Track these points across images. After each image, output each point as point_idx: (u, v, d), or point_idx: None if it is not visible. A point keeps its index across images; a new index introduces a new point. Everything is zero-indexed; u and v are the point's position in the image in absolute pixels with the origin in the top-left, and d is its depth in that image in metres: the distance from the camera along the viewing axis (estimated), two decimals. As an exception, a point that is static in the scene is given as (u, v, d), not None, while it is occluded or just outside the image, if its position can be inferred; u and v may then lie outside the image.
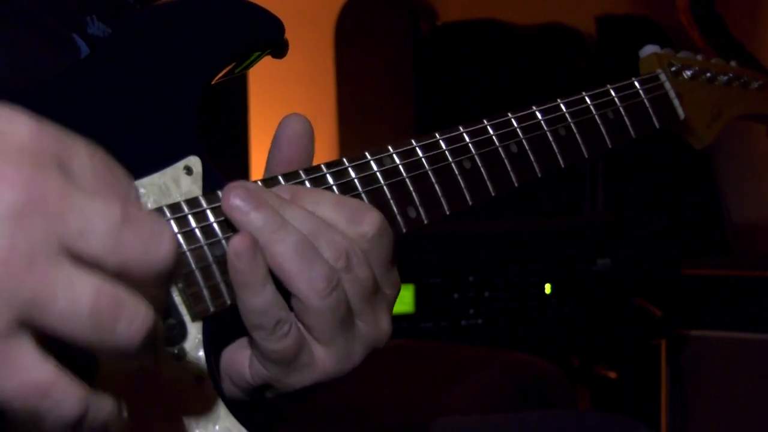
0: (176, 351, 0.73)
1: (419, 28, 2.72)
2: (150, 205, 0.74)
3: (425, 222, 0.86)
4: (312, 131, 0.83)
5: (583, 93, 1.02)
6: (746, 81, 1.26)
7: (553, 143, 0.97)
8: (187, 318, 0.73)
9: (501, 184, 0.92)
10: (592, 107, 1.02)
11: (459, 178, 0.89)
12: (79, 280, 0.53)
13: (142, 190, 0.75)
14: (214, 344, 0.75)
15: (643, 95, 1.09)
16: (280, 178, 0.79)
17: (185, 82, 0.80)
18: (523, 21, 2.80)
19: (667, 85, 1.13)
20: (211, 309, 0.74)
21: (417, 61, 2.71)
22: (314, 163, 0.83)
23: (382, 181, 0.84)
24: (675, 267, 2.34)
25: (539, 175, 0.95)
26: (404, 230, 0.84)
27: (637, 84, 1.09)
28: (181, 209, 0.73)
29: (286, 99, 2.87)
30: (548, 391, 1.78)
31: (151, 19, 0.81)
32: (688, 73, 1.17)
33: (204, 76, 0.82)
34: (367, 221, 0.77)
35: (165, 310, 0.72)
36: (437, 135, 0.89)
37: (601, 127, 1.03)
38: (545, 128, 0.97)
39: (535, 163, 0.95)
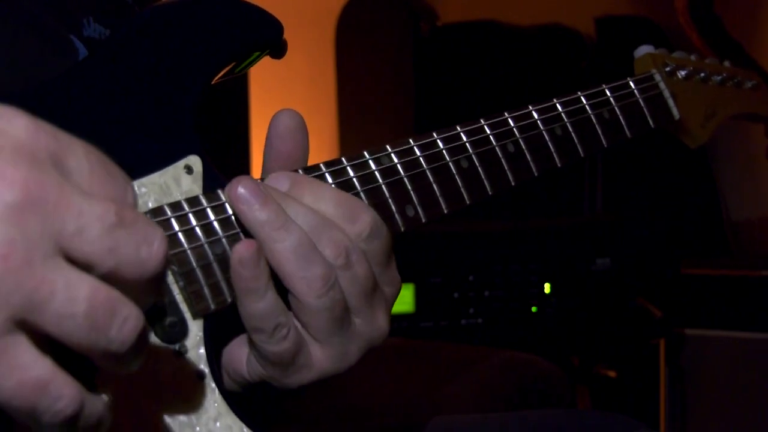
0: (177, 348, 0.73)
1: (419, 29, 2.72)
2: (151, 204, 0.75)
3: (423, 220, 0.87)
4: (305, 126, 0.83)
5: (579, 93, 1.03)
6: (740, 81, 1.27)
7: (549, 142, 0.98)
8: (188, 316, 0.74)
9: (498, 183, 0.92)
10: (587, 107, 1.03)
11: (456, 177, 0.89)
12: (75, 280, 0.53)
13: (143, 189, 0.75)
14: (215, 342, 0.76)
15: (638, 95, 1.10)
16: None
17: (185, 82, 0.81)
18: (523, 22, 2.80)
19: (662, 85, 1.14)
20: (212, 307, 0.74)
21: (417, 61, 2.71)
22: (313, 161, 0.83)
23: (380, 180, 0.84)
24: (674, 267, 2.35)
25: (536, 174, 0.96)
26: (402, 229, 0.85)
27: (632, 84, 1.10)
28: (181, 208, 0.74)
29: (287, 99, 2.87)
30: (548, 390, 1.77)
31: (151, 19, 0.81)
32: (682, 73, 1.18)
33: (204, 76, 0.82)
34: (363, 220, 0.78)
35: (163, 310, 0.72)
36: (435, 134, 0.89)
37: (597, 126, 1.03)
38: (541, 128, 0.98)
39: (531, 162, 0.95)
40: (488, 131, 0.93)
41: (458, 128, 0.91)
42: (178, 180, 0.77)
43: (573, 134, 1.00)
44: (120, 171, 0.58)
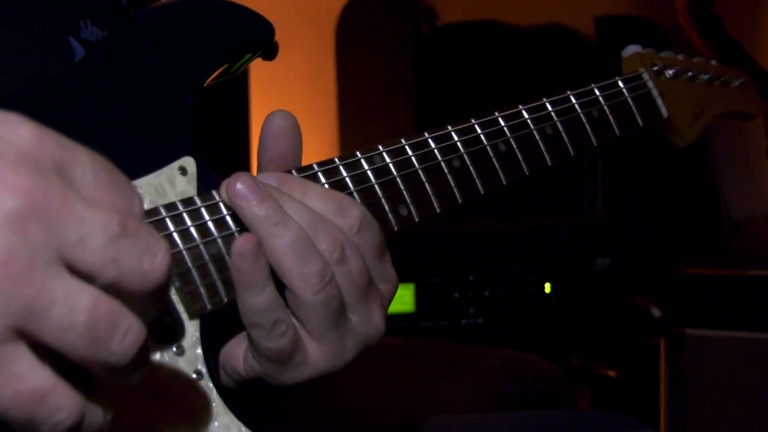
0: (174, 349, 0.74)
1: (420, 29, 2.72)
2: (145, 205, 0.75)
3: (416, 220, 0.87)
4: (297, 127, 0.83)
5: (569, 92, 1.04)
6: (727, 79, 1.27)
7: (539, 142, 0.98)
8: (184, 316, 0.74)
9: (490, 182, 0.93)
10: (577, 106, 1.04)
11: (448, 176, 0.90)
12: (76, 290, 0.52)
13: (138, 190, 0.75)
14: (211, 342, 0.76)
15: (626, 94, 1.11)
16: None
17: (179, 83, 0.81)
18: (523, 22, 2.80)
19: (650, 84, 1.15)
20: (209, 307, 0.74)
21: (417, 61, 2.72)
22: (314, 160, 0.83)
23: (373, 180, 0.85)
24: (674, 266, 2.35)
25: (527, 173, 0.96)
26: (396, 228, 0.85)
27: (620, 83, 1.11)
28: (176, 208, 0.74)
29: (287, 99, 2.87)
30: (548, 390, 1.77)
31: (145, 21, 0.81)
32: (670, 72, 1.18)
33: (197, 77, 0.82)
34: (352, 214, 0.78)
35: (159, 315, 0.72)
36: (426, 134, 0.90)
37: (587, 125, 1.04)
38: (532, 127, 0.98)
39: (522, 162, 0.96)
40: (479, 131, 0.93)
41: (449, 128, 0.92)
42: (173, 181, 0.77)
43: (563, 133, 1.01)
44: (126, 180, 0.58)
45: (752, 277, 2.33)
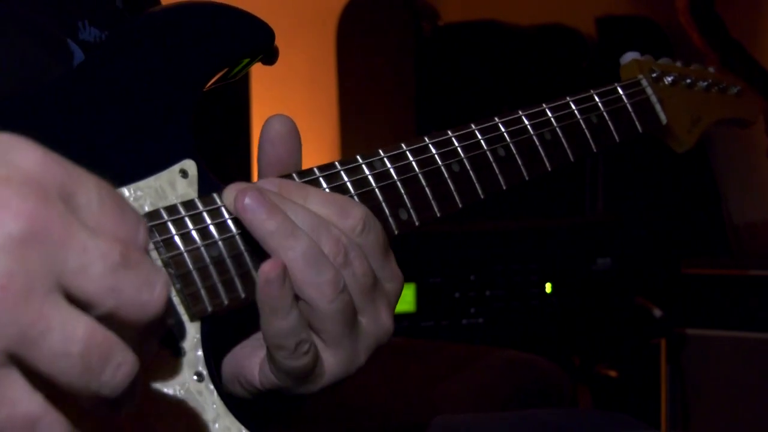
0: (175, 351, 0.74)
1: (421, 29, 2.72)
2: (146, 208, 0.75)
3: (416, 224, 0.87)
4: (296, 131, 0.82)
5: (568, 98, 1.04)
6: (725, 87, 1.28)
7: (539, 147, 0.99)
8: (185, 318, 0.74)
9: (489, 187, 0.93)
10: (576, 112, 1.04)
11: (448, 181, 0.90)
12: (73, 319, 0.52)
13: (138, 193, 0.76)
14: (212, 343, 0.76)
15: (625, 100, 1.11)
16: None
17: (179, 87, 0.81)
18: (524, 22, 2.80)
19: (649, 90, 1.15)
20: (209, 309, 0.74)
21: (418, 61, 2.71)
22: (315, 161, 0.84)
23: (373, 184, 0.85)
24: (675, 266, 2.35)
25: (526, 178, 0.96)
26: (396, 232, 0.86)
27: (619, 89, 1.11)
28: (177, 211, 0.74)
29: (288, 99, 2.88)
30: (549, 390, 1.77)
31: (145, 25, 0.82)
32: (668, 79, 1.19)
33: (196, 81, 0.83)
34: (354, 215, 0.78)
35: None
36: (426, 139, 0.90)
37: (586, 131, 1.04)
38: (531, 132, 0.98)
39: (522, 167, 0.96)
40: (479, 136, 0.94)
41: (449, 133, 0.92)
42: (174, 184, 0.78)
43: (562, 138, 1.01)
44: (132, 209, 0.57)
45: (753, 277, 2.34)
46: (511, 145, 0.96)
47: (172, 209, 0.74)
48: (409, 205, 0.87)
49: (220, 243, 0.75)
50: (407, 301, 2.13)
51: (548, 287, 2.21)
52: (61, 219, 0.52)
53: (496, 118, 0.96)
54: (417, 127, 2.64)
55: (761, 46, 2.68)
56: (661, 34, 2.73)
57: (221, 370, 0.84)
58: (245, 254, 0.76)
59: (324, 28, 2.86)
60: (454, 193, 0.90)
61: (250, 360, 0.81)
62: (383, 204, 0.85)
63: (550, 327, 2.22)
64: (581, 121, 1.04)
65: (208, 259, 0.74)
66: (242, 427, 0.74)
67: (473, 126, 0.94)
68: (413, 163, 0.88)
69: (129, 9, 0.93)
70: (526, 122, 0.99)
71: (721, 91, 1.27)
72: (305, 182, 0.81)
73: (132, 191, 0.75)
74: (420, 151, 0.89)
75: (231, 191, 0.76)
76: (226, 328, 0.81)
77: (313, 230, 0.75)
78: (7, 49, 0.80)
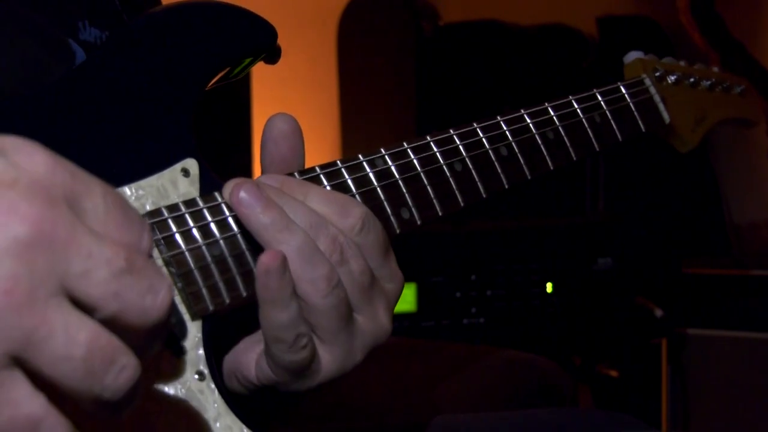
0: (176, 349, 0.74)
1: (421, 29, 2.72)
2: (148, 207, 0.75)
3: (418, 223, 0.87)
4: (298, 129, 0.83)
5: (570, 97, 1.04)
6: (728, 86, 1.28)
7: (541, 146, 0.98)
8: (186, 317, 0.74)
9: (491, 186, 0.93)
10: (579, 111, 1.04)
11: (450, 179, 0.90)
12: (76, 323, 0.52)
13: (140, 192, 0.76)
14: (213, 342, 0.76)
15: (628, 99, 1.11)
16: None
17: (181, 87, 0.81)
18: (525, 21, 2.80)
19: (652, 90, 1.15)
20: (211, 308, 0.74)
21: (419, 61, 2.71)
22: (316, 161, 0.84)
23: (375, 183, 0.85)
24: (676, 266, 2.35)
25: (529, 177, 0.96)
26: (398, 231, 0.86)
27: (622, 88, 1.11)
28: (179, 209, 0.75)
29: (289, 99, 2.87)
30: (550, 389, 1.77)
31: (146, 25, 0.82)
32: (671, 78, 1.18)
33: (198, 81, 0.83)
34: (354, 214, 0.78)
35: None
36: (428, 138, 0.90)
37: (588, 130, 1.04)
38: (534, 131, 0.98)
39: (524, 166, 0.96)
40: (481, 135, 0.94)
41: (452, 131, 0.92)
42: (175, 183, 0.78)
43: (565, 137, 1.01)
44: (137, 214, 0.58)
45: (754, 277, 2.34)
46: (513, 144, 0.96)
47: (173, 208, 0.74)
48: (411, 203, 0.87)
49: (221, 241, 0.75)
50: (408, 300, 2.13)
51: (549, 287, 2.21)
52: (67, 223, 0.53)
53: (499, 117, 0.96)
54: (417, 127, 2.64)
55: (761, 46, 2.69)
56: (661, 33, 2.73)
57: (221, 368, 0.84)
58: (247, 253, 0.76)
59: (324, 28, 2.86)
60: (456, 192, 0.90)
61: (247, 355, 0.81)
62: (385, 203, 0.85)
63: (551, 327, 2.22)
64: (584, 120, 1.04)
65: (209, 258, 0.74)
66: (243, 426, 0.74)
67: (475, 125, 0.94)
68: (415, 161, 0.88)
69: (127, 10, 0.92)
70: (529, 121, 0.98)
71: (725, 90, 1.27)
72: (306, 179, 0.81)
73: (134, 190, 0.75)
74: (422, 150, 0.89)
75: (230, 186, 0.76)
76: (228, 327, 0.81)
77: (311, 227, 0.75)
78: (7, 49, 0.80)
